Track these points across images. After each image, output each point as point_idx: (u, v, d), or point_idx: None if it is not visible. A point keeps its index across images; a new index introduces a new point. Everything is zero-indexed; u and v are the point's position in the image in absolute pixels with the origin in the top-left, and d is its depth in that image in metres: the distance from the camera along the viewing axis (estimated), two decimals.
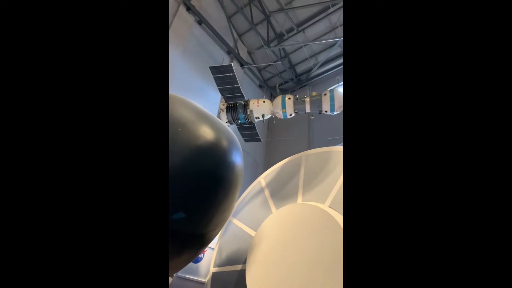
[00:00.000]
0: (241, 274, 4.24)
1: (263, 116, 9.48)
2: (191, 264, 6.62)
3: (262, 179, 5.26)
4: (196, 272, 6.72)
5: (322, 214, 3.82)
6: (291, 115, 9.79)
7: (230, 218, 5.15)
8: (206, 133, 2.42)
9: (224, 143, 2.57)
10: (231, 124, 9.80)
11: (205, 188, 2.37)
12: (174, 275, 6.23)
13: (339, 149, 4.71)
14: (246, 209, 5.11)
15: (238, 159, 2.76)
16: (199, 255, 6.88)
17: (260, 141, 10.82)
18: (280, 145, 15.18)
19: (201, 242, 2.92)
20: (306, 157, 4.91)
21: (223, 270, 4.64)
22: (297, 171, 4.79)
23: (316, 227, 3.78)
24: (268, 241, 4.13)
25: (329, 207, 4.00)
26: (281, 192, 4.77)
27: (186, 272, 6.45)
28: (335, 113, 8.80)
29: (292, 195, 4.56)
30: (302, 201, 4.35)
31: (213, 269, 4.80)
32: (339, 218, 3.75)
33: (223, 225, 3.15)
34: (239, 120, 9.82)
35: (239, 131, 10.30)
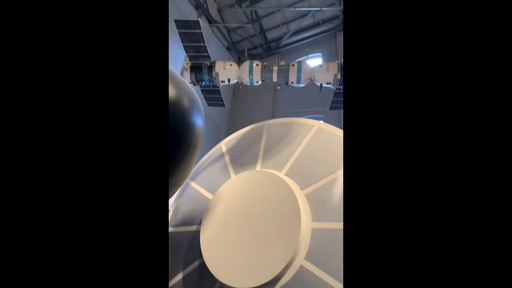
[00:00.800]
0: (196, 235, 4.33)
1: (229, 80, 9.18)
2: None
3: (223, 145, 5.23)
4: None
5: (277, 181, 3.97)
6: (257, 82, 9.61)
7: (188, 181, 5.12)
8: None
9: (185, 102, 2.44)
10: (194, 85, 9.35)
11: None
12: None
13: (300, 120, 4.81)
14: (205, 173, 5.10)
15: (199, 120, 2.66)
16: None
17: (224, 106, 10.61)
18: (244, 112, 15.10)
19: None
20: (269, 126, 4.96)
21: (178, 230, 4.70)
22: (259, 140, 4.84)
23: (271, 193, 3.94)
24: (225, 204, 4.23)
25: (285, 175, 4.17)
26: (241, 158, 4.82)
27: None
28: (301, 85, 8.87)
29: (251, 162, 4.63)
30: (260, 169, 4.46)
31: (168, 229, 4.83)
32: (294, 185, 3.94)
33: (179, 186, 3.11)
34: (203, 81, 9.40)
35: (203, 94, 9.93)
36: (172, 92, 2.31)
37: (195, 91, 3.04)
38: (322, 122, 4.72)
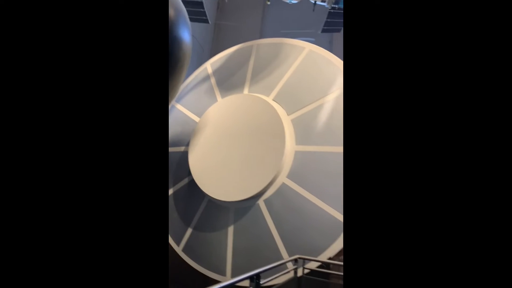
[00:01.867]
0: (184, 155, 4.49)
1: None
2: None
3: (209, 66, 4.97)
4: None
5: (265, 106, 3.97)
6: None
7: (174, 103, 5.01)
8: None
9: (171, 12, 2.17)
10: None
11: None
12: None
13: (291, 41, 4.53)
14: (190, 95, 4.97)
15: (186, 34, 2.42)
16: None
17: (208, 22, 9.64)
18: (229, 30, 13.92)
19: None
20: (258, 47, 4.66)
21: None
22: (247, 61, 4.60)
23: (258, 117, 3.98)
24: (212, 126, 4.27)
25: (273, 100, 4.14)
26: (228, 81, 4.66)
27: None
28: (293, 1, 8.02)
29: (239, 85, 4.51)
30: (248, 92, 4.38)
31: None
32: (281, 111, 3.97)
33: (171, 102, 3.04)
34: None
35: (186, 6, 8.86)
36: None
37: (181, 3, 2.70)
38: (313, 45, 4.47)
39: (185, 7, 8.92)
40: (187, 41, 2.47)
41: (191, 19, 10.17)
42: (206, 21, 9.45)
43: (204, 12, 9.00)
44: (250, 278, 2.19)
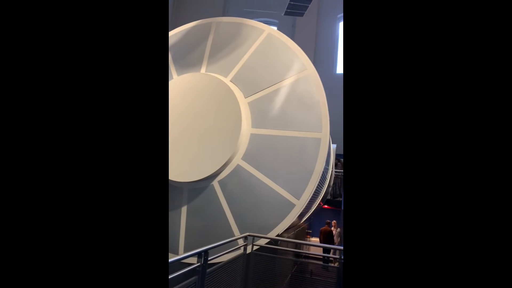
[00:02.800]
0: None
1: None
2: None
3: None
4: None
5: (222, 87, 3.92)
6: None
7: None
8: None
9: None
10: None
11: None
12: None
13: (251, 23, 4.47)
14: None
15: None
16: None
17: None
18: (190, 3, 13.16)
19: None
20: (217, 25, 4.52)
21: None
22: (205, 39, 4.45)
23: (215, 97, 3.93)
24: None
25: (230, 81, 4.11)
26: (185, 58, 4.48)
27: None
28: None
29: (196, 63, 4.37)
30: (205, 72, 4.27)
31: None
32: (238, 93, 3.97)
33: None
34: None
35: None
36: None
37: None
38: (275, 28, 4.46)
39: None
40: None
41: None
42: None
43: None
44: (198, 254, 2.26)
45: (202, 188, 3.92)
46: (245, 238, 3.28)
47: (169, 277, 2.13)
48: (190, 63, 4.41)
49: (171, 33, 4.76)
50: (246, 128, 3.87)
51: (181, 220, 3.96)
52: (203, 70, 4.30)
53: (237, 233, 3.62)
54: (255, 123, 3.93)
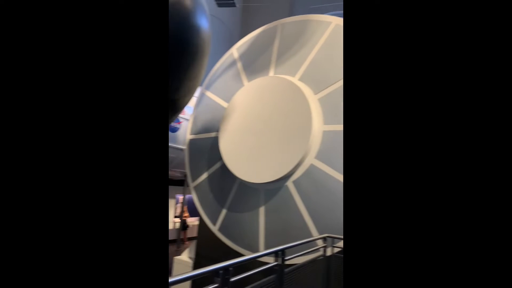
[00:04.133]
0: (215, 141, 4.67)
1: None
2: (170, 133, 7.10)
3: (235, 50, 5.00)
4: (174, 140, 7.31)
5: (290, 86, 3.91)
6: None
7: (204, 90, 5.18)
8: None
9: (187, 2, 2.23)
10: None
11: (171, 52, 2.22)
12: None
13: (317, 17, 4.33)
14: (218, 81, 5.08)
15: (203, 22, 2.48)
16: (176, 125, 7.29)
17: (235, 6, 9.57)
18: (258, 12, 13.66)
19: (174, 108, 3.01)
20: (282, 26, 4.55)
21: (199, 137, 5.06)
22: (272, 42, 4.53)
23: (285, 98, 3.95)
24: (239, 111, 4.36)
25: (298, 80, 4.06)
26: (253, 64, 4.66)
27: None
28: None
29: (264, 67, 4.49)
30: (273, 74, 4.34)
31: (189, 137, 5.21)
32: (307, 90, 3.89)
33: (193, 92, 3.17)
34: None
35: None
36: None
37: None
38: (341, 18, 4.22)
39: None
40: (205, 28, 2.53)
41: (218, 4, 10.11)
42: (233, 4, 9.38)
43: None
44: (276, 253, 2.28)
45: (277, 188, 3.96)
46: (324, 239, 3.15)
47: (247, 274, 2.21)
48: (259, 68, 4.56)
49: (239, 43, 5.02)
50: (318, 125, 3.75)
51: (259, 220, 4.08)
52: (271, 73, 4.38)
53: (315, 234, 3.52)
54: (328, 120, 3.77)
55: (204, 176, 4.82)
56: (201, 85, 5.37)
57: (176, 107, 3.01)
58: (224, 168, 4.45)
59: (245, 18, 14.04)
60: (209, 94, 5.10)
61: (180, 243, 9.33)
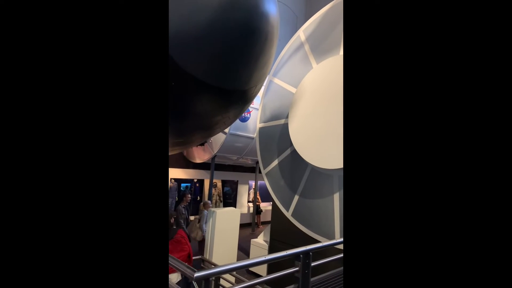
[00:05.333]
0: (284, 127, 4.67)
1: None
2: (240, 123, 7.41)
3: (302, 33, 4.83)
4: (245, 129, 7.59)
5: None
6: None
7: (271, 77, 5.19)
8: None
9: None
10: None
11: (240, 42, 2.27)
12: (227, 131, 7.15)
13: None
14: (286, 67, 5.01)
15: (272, 7, 2.44)
16: (246, 115, 7.55)
17: None
18: None
19: (245, 98, 3.09)
20: None
21: (268, 125, 5.14)
22: (340, 19, 4.21)
23: None
24: (308, 95, 4.23)
25: None
26: (322, 45, 4.43)
27: (237, 130, 7.33)
28: None
29: (334, 47, 4.22)
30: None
31: (259, 125, 5.34)
32: None
33: (263, 81, 3.19)
34: None
35: None
36: None
37: None
38: None
39: None
40: (274, 13, 2.49)
41: None
42: None
43: None
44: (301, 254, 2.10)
45: None
46: None
47: (327, 260, 2.17)
48: (327, 49, 4.32)
49: (305, 25, 4.82)
50: None
51: (334, 207, 3.96)
52: (341, 52, 4.09)
53: None
54: None
55: (275, 162, 4.90)
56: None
57: (247, 97, 3.09)
58: (294, 154, 4.43)
59: (310, 0, 13.40)
60: (276, 81, 5.10)
61: (255, 226, 9.82)
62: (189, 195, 6.53)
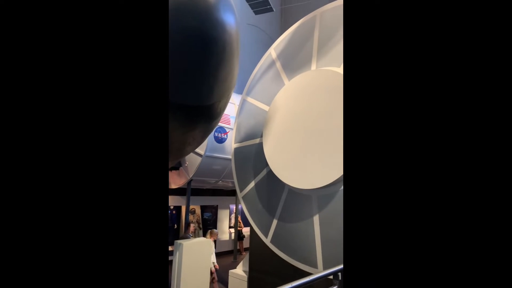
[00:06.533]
0: (260, 147, 4.43)
1: None
2: (216, 144, 7.12)
3: (273, 50, 4.74)
4: (222, 150, 7.29)
5: (336, 78, 3.47)
6: None
7: (244, 97, 5.02)
8: None
9: None
10: None
11: (195, 52, 2.05)
12: (203, 154, 6.82)
13: None
14: (258, 85, 4.87)
15: (229, 16, 2.27)
16: (223, 136, 7.29)
17: (272, 10, 9.42)
18: (298, 13, 13.32)
19: (210, 114, 2.85)
20: (321, 15, 4.15)
21: (243, 145, 4.88)
22: (311, 34, 4.16)
23: (330, 92, 3.52)
24: (282, 113, 4.05)
25: None
26: (293, 61, 4.33)
27: (213, 151, 7.02)
28: None
29: (305, 63, 4.13)
30: (316, 68, 3.95)
31: (234, 145, 5.07)
32: None
33: (228, 95, 2.97)
34: None
35: (247, 1, 8.89)
36: None
37: None
38: None
39: (248, 0, 8.85)
40: (232, 23, 2.31)
41: (256, 12, 10.10)
42: (270, 9, 9.25)
43: (267, 1, 8.83)
44: (334, 274, 1.88)
45: (331, 194, 3.51)
46: None
47: None
48: (299, 65, 4.22)
49: (276, 43, 4.76)
50: None
51: (315, 230, 3.66)
52: (313, 67, 3.99)
53: None
54: None
55: (252, 185, 4.60)
56: (241, 92, 5.23)
57: (211, 113, 2.84)
58: (271, 175, 4.15)
59: (284, 21, 13.83)
60: (250, 99, 4.92)
61: (237, 253, 9.24)
62: (193, 225, 7.01)
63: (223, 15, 2.14)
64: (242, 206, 4.70)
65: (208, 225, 9.67)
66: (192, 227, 6.38)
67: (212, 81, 2.35)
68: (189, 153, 4.13)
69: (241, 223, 9.95)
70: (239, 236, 9.69)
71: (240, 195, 4.79)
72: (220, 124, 7.10)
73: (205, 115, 2.75)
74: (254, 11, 9.81)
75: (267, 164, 4.19)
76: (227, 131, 7.37)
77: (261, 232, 4.33)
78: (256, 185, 4.53)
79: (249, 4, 8.83)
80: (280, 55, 4.58)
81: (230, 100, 8.04)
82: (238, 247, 9.43)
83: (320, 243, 3.58)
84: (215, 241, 5.69)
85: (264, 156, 4.17)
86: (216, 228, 9.79)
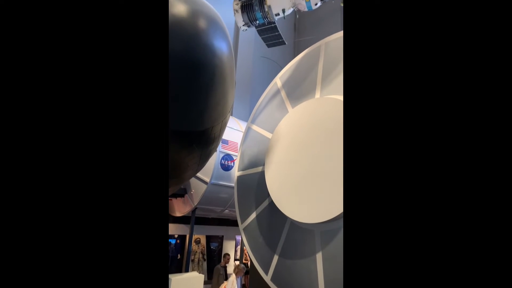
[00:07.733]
0: (262, 175, 4.27)
1: (283, 11, 8.18)
2: (223, 172, 7.01)
3: (278, 80, 4.76)
4: (228, 178, 7.16)
5: (339, 106, 3.36)
6: (316, 4, 8.32)
7: (249, 125, 4.98)
8: (174, 7, 1.92)
9: (200, 21, 2.07)
10: (248, 27, 8.73)
11: (182, 76, 2.02)
12: (209, 182, 6.71)
13: None
14: (263, 113, 4.83)
15: (220, 42, 2.26)
16: (229, 164, 7.20)
17: (285, 43, 9.69)
18: (310, 45, 13.71)
19: (204, 139, 2.78)
20: (326, 45, 4.17)
21: (246, 173, 4.74)
22: (316, 63, 4.15)
23: (334, 120, 3.40)
24: (284, 141, 3.93)
25: None
26: (298, 90, 4.30)
27: (219, 179, 6.90)
28: None
29: (310, 91, 4.08)
30: (320, 96, 3.87)
31: (237, 173, 4.94)
32: None
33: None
34: (257, 20, 8.68)
35: (260, 35, 9.20)
36: (181, 9, 1.97)
37: (217, 12, 2.62)
38: None
39: (262, 34, 9.19)
40: (223, 47, 2.30)
41: (269, 45, 10.42)
42: (282, 42, 9.53)
43: (279, 34, 9.12)
44: None
45: (336, 229, 3.24)
46: None
47: None
48: (304, 93, 4.17)
49: (281, 72, 4.78)
50: None
51: (317, 268, 3.34)
52: (317, 95, 3.93)
53: None
54: None
55: (253, 215, 4.37)
56: (246, 120, 5.21)
57: (207, 138, 2.77)
58: (272, 207, 3.94)
59: (297, 53, 14.20)
60: (254, 127, 4.87)
61: None
62: (229, 255, 7.13)
63: (212, 40, 2.13)
64: (243, 238, 4.45)
65: (213, 256, 9.25)
66: (228, 257, 6.36)
67: (202, 107, 2.31)
68: (189, 178, 4.04)
69: (247, 255, 9.47)
70: (246, 270, 9.17)
71: (241, 226, 4.56)
72: (227, 151, 7.04)
73: (199, 141, 2.68)
74: (266, 44, 10.15)
75: (269, 194, 4.00)
76: (234, 158, 7.28)
77: (261, 268, 4.03)
78: (257, 216, 4.31)
79: (262, 38, 9.16)
80: (285, 84, 4.57)
81: (238, 128, 8.05)
82: (243, 282, 8.87)
83: (323, 282, 3.24)
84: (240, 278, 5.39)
85: (266, 185, 4.00)
86: (221, 260, 9.35)
